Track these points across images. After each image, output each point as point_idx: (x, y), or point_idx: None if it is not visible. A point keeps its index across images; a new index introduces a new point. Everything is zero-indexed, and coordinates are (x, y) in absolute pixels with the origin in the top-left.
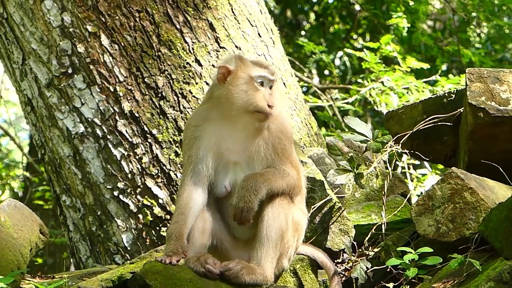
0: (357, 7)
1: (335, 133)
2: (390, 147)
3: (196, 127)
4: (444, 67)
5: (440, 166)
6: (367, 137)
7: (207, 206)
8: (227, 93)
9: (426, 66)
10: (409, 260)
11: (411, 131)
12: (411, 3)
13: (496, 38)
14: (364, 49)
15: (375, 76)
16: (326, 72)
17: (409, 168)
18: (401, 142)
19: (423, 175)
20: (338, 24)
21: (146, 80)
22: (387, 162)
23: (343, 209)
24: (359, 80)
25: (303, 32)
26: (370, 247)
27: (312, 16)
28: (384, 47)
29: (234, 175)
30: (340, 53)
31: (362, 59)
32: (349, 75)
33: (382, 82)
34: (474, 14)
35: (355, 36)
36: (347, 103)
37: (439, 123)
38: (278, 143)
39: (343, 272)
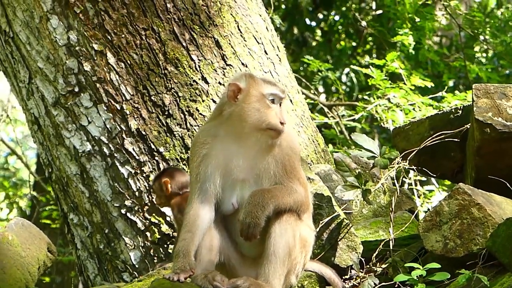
0: (364, 24)
1: (342, 150)
2: (397, 163)
3: (204, 144)
4: (451, 83)
5: (447, 182)
6: (374, 153)
7: (214, 224)
8: (240, 110)
9: (430, 84)
10: (417, 276)
11: (418, 148)
12: (417, 19)
13: (503, 54)
14: (370, 66)
15: (381, 93)
16: (333, 89)
17: (416, 185)
18: (408, 158)
19: (430, 191)
20: (344, 41)
21: (152, 98)
22: (395, 178)
23: (350, 225)
24: (366, 97)
25: (309, 49)
26: (378, 263)
27: (319, 33)
28: (390, 64)
29: (242, 192)
30: (346, 70)
31: (369, 76)
32: (355, 92)
33: (389, 99)
34: (480, 30)
35: (361, 53)
36: (354, 120)
37: (446, 139)
38: (288, 160)
39: None
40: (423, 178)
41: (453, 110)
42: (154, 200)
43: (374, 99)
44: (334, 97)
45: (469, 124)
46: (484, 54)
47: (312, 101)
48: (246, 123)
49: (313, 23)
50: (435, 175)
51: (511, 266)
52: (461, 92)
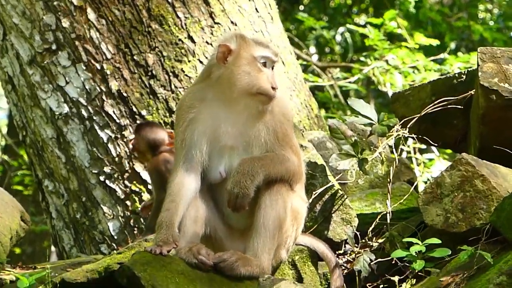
0: None
1: (336, 115)
2: (396, 131)
3: (191, 108)
4: (452, 45)
5: (449, 151)
6: (372, 120)
7: (200, 193)
8: (229, 73)
9: (435, 42)
10: (415, 252)
11: (419, 114)
12: None
13: (510, 14)
14: (367, 25)
15: (379, 54)
16: (327, 49)
17: (415, 153)
18: (408, 126)
19: (430, 160)
20: None
21: (135, 57)
22: (393, 147)
23: (345, 196)
24: (362, 59)
25: (302, 7)
26: (374, 238)
27: None
28: (388, 23)
29: (230, 160)
30: (341, 29)
31: (365, 36)
32: (350, 53)
33: (387, 61)
34: None
35: (358, 11)
36: (349, 82)
37: (448, 106)
38: (280, 127)
39: (345, 264)
40: (423, 146)
41: (456, 75)
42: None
43: (371, 60)
44: (327, 58)
45: (474, 90)
46: (489, 15)
47: (304, 62)
48: (236, 87)
49: None
50: (436, 144)
51: None
52: (464, 54)
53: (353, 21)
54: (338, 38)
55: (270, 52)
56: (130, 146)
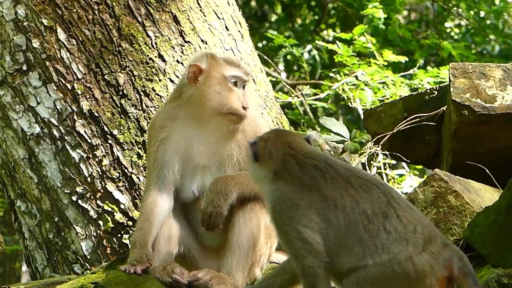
0: None
1: (307, 133)
2: (369, 148)
3: (162, 127)
4: (421, 61)
5: (419, 166)
6: (344, 137)
7: (173, 212)
8: (200, 93)
9: (404, 59)
10: None
11: (391, 131)
12: None
13: (477, 29)
14: (336, 41)
15: (348, 70)
16: (294, 67)
17: (385, 168)
18: (381, 143)
19: (400, 175)
20: (306, 15)
21: (106, 77)
22: (366, 164)
23: None
24: (331, 75)
25: (269, 24)
26: None
27: (279, 7)
28: (358, 38)
29: (203, 179)
30: (309, 47)
31: (333, 53)
32: (319, 70)
33: (356, 77)
34: (454, 2)
35: (325, 28)
36: (318, 99)
37: (421, 122)
38: None
39: None
40: (393, 162)
41: (428, 91)
42: None
43: (340, 76)
44: (295, 76)
45: (446, 106)
46: (457, 30)
47: (273, 79)
48: (207, 107)
49: None
50: (409, 161)
51: (491, 258)
52: (432, 68)
53: (321, 38)
54: (306, 55)
55: (241, 71)
56: None
